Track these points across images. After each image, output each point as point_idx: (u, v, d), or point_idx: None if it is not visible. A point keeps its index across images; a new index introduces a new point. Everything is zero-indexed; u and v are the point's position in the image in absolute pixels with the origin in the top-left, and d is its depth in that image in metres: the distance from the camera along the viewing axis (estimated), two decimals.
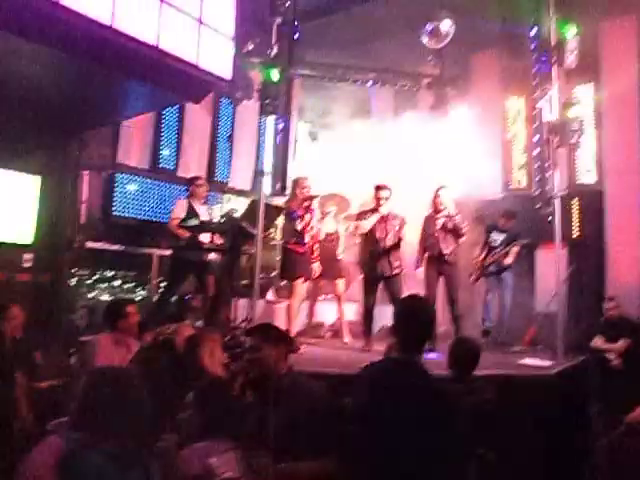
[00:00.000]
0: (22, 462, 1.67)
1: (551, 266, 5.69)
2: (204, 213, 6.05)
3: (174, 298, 6.21)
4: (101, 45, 4.21)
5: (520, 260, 6.77)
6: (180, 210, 5.92)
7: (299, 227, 5.80)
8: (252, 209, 5.70)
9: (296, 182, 6.09)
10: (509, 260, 6.56)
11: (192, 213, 5.91)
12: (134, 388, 1.79)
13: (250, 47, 7.05)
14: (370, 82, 8.48)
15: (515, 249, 6.55)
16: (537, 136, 7.47)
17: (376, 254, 5.76)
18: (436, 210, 6.03)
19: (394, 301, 5.53)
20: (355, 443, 2.34)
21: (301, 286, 5.84)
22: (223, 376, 3.21)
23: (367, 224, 5.78)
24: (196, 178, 6.32)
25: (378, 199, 5.80)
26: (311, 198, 5.92)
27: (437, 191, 6.07)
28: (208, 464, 1.92)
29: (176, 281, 5.99)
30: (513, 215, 6.80)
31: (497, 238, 6.65)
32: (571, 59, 5.78)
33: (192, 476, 1.92)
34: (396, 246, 5.82)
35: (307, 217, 5.87)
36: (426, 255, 6.04)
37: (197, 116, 8.00)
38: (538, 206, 7.04)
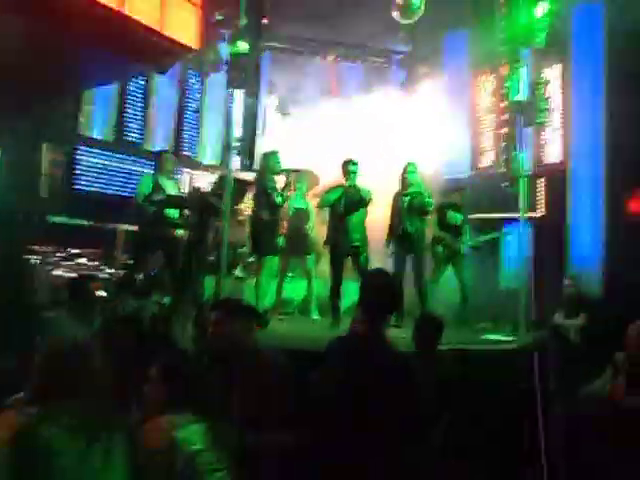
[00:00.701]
0: None
1: (516, 243, 5.80)
2: (171, 188, 5.93)
3: (140, 274, 6.12)
4: (64, 9, 4.04)
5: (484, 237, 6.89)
6: (146, 185, 5.80)
7: (274, 201, 5.75)
8: (220, 184, 5.62)
9: (265, 156, 6.04)
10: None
11: (159, 188, 5.79)
12: (92, 360, 1.76)
13: (219, 18, 6.88)
14: (341, 58, 8.42)
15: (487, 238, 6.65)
16: (505, 115, 7.58)
17: (342, 229, 5.75)
18: (404, 188, 6.06)
19: (361, 275, 5.56)
20: (321, 416, 2.36)
21: (270, 261, 5.83)
22: (189, 350, 3.20)
23: (333, 197, 5.76)
24: (163, 152, 6.19)
25: (346, 172, 5.79)
26: (281, 173, 5.90)
27: (405, 168, 6.09)
28: (172, 437, 1.91)
29: (141, 257, 5.90)
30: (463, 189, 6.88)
31: (455, 216, 6.69)
32: (540, 39, 5.81)
33: (156, 450, 1.91)
34: (363, 220, 5.82)
35: (283, 191, 5.85)
36: (394, 232, 6.08)
37: (164, 88, 7.81)
38: (505, 184, 7.17)
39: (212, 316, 2.82)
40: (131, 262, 6.12)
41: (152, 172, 5.98)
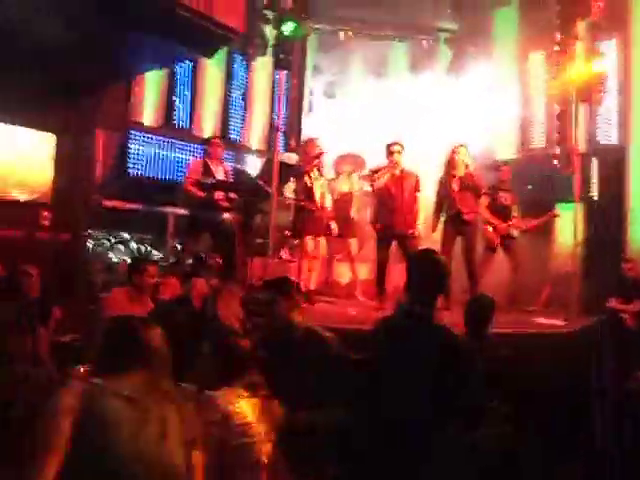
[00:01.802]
0: (45, 406, 1.71)
1: (569, 226, 5.62)
2: (220, 173, 6.03)
3: (190, 257, 6.25)
4: None
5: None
6: (195, 169, 5.91)
7: (307, 184, 5.85)
8: (267, 167, 5.67)
9: (306, 143, 6.13)
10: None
11: (208, 173, 5.89)
12: (154, 335, 1.82)
13: (264, 0, 6.88)
14: (387, 37, 8.29)
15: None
16: (558, 93, 7.30)
17: (390, 211, 5.71)
18: (453, 169, 5.94)
19: (408, 258, 5.52)
20: (368, 395, 2.36)
21: (311, 243, 5.93)
22: (238, 329, 3.26)
23: (381, 181, 5.73)
24: (213, 138, 6.29)
25: (391, 154, 5.73)
26: (319, 156, 5.95)
27: (455, 149, 5.96)
28: (226, 410, 1.97)
29: (192, 240, 6.03)
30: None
31: (505, 197, 6.53)
32: (596, 11, 5.56)
33: (211, 422, 1.97)
34: (411, 203, 5.76)
35: (315, 174, 5.88)
36: (444, 214, 5.98)
37: (210, 73, 7.88)
38: (557, 165, 6.94)
39: (261, 296, 2.87)
40: (182, 245, 6.26)
41: (201, 156, 6.08)
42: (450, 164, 5.96)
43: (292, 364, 2.47)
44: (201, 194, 5.77)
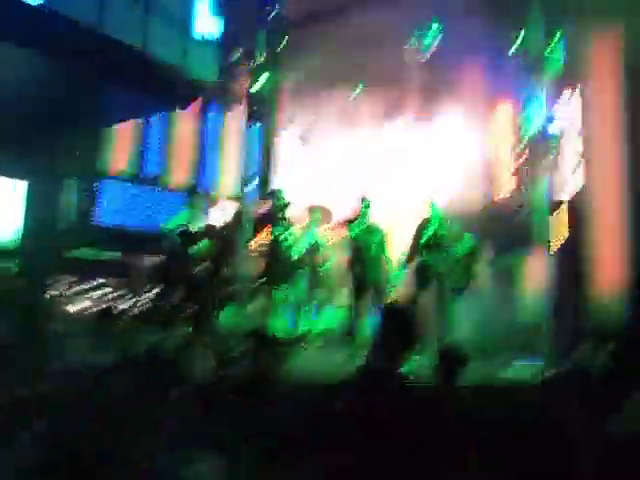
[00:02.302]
0: None
1: (534, 275, 5.72)
2: (201, 223, 6.15)
3: (167, 305, 6.17)
4: (87, 49, 4.18)
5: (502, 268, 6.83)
6: (182, 219, 6.02)
7: (271, 236, 6.04)
8: (238, 217, 5.71)
9: (272, 193, 6.36)
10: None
11: (191, 221, 6.00)
12: None
13: (238, 54, 7.04)
14: (357, 91, 8.52)
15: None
16: (522, 147, 7.56)
17: (363, 263, 5.80)
18: (424, 222, 6.07)
19: (380, 309, 5.55)
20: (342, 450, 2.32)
21: (282, 293, 5.95)
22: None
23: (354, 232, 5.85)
24: (201, 191, 6.46)
25: (361, 209, 5.89)
26: (284, 207, 6.11)
27: (425, 201, 6.10)
28: None
29: (167, 289, 6.00)
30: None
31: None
32: (557, 69, 5.84)
33: None
34: (381, 256, 5.88)
35: (284, 224, 6.05)
36: (413, 263, 6.05)
37: (184, 123, 7.96)
38: (522, 216, 7.12)
39: (245, 346, 2.80)
40: (157, 293, 6.18)
41: (188, 208, 6.20)
42: (423, 215, 6.08)
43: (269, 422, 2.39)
44: (175, 243, 5.81)
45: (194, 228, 6.01)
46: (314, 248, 6.66)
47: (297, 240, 6.21)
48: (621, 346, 5.71)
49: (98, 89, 4.94)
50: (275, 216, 6.14)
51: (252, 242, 6.41)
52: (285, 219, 6.16)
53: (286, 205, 6.17)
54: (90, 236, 6.94)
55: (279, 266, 6.01)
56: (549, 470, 2.93)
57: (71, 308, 6.65)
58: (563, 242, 7.05)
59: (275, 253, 6.05)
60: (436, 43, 6.93)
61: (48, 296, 6.36)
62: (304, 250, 6.34)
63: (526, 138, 6.67)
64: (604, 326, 6.04)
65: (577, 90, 7.22)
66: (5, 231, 5.99)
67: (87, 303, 6.84)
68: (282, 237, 6.04)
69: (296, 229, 6.19)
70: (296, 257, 6.19)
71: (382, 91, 8.56)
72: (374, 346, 2.62)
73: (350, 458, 2.26)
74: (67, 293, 6.72)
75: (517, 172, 7.58)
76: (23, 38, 3.91)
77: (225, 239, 5.71)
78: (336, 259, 6.90)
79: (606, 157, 6.86)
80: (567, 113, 7.00)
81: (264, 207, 6.79)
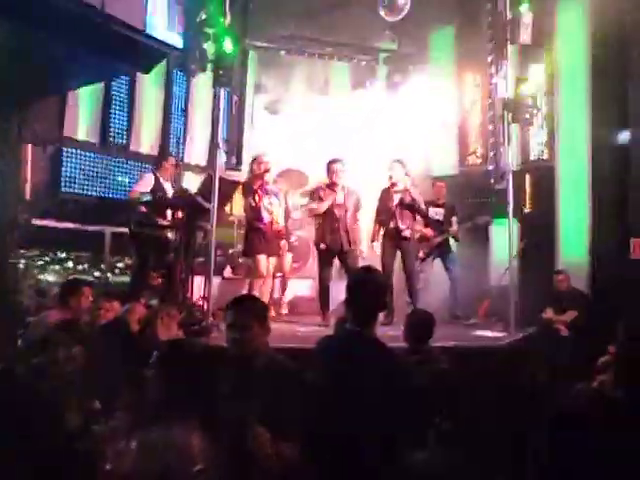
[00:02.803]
0: None
1: (504, 240, 5.81)
2: (169, 190, 5.96)
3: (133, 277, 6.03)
4: (44, 9, 3.97)
5: (474, 234, 6.93)
6: (145, 184, 5.80)
7: (253, 203, 5.87)
8: (207, 184, 5.58)
9: (254, 159, 6.11)
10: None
11: (157, 188, 5.79)
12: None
13: (203, 16, 6.81)
14: (328, 56, 8.40)
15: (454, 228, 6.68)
16: (491, 112, 7.59)
17: (332, 229, 5.77)
18: (392, 185, 6.06)
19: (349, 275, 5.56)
20: (312, 420, 2.32)
21: (262, 263, 5.85)
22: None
23: (323, 206, 5.79)
24: (172, 157, 6.29)
25: (332, 173, 5.80)
26: (265, 173, 5.94)
27: (391, 166, 6.09)
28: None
29: (145, 258, 5.82)
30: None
31: (436, 212, 6.74)
32: (525, 36, 5.83)
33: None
34: (352, 222, 5.86)
35: (263, 194, 5.90)
36: (383, 229, 6.07)
37: (149, 88, 7.72)
38: (492, 181, 7.20)
39: (229, 317, 2.53)
40: (137, 265, 5.99)
41: (152, 170, 5.99)
42: (389, 179, 6.08)
43: (257, 396, 2.28)
44: (141, 211, 5.65)
45: (162, 196, 5.85)
46: (287, 215, 6.60)
47: (277, 207, 6.08)
48: (583, 312, 5.91)
49: (56, 53, 4.71)
50: (254, 183, 5.95)
51: (224, 208, 6.31)
52: (266, 185, 5.99)
53: (267, 170, 5.98)
54: (53, 207, 6.73)
55: (260, 235, 5.88)
56: (517, 428, 3.02)
57: (37, 281, 6.50)
58: (530, 208, 7.17)
59: (254, 221, 5.91)
60: (406, 6, 6.82)
61: (13, 269, 6.19)
62: (282, 217, 6.24)
63: (495, 103, 6.69)
64: (568, 292, 6.22)
65: (545, 54, 7.26)
66: None
67: (52, 275, 6.69)
68: (263, 204, 5.87)
69: (276, 196, 6.07)
70: (278, 225, 6.06)
71: (353, 55, 8.47)
72: (345, 311, 2.62)
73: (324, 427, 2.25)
74: (32, 265, 6.55)
75: (486, 137, 7.64)
76: None
77: (194, 207, 5.57)
78: (308, 226, 6.89)
79: (573, 122, 6.95)
80: (535, 78, 7.03)
81: (235, 172, 6.69)
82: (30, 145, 6.38)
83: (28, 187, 6.42)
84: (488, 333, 5.66)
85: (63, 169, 6.84)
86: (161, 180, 5.89)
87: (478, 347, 4.91)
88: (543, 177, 7.21)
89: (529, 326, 5.79)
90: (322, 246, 5.86)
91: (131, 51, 4.71)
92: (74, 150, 6.95)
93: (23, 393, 2.27)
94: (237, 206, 7.15)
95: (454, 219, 6.74)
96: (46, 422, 2.08)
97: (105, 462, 1.90)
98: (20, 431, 2.02)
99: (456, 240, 6.81)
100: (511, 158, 5.97)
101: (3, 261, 6.03)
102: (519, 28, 5.83)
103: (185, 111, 8.15)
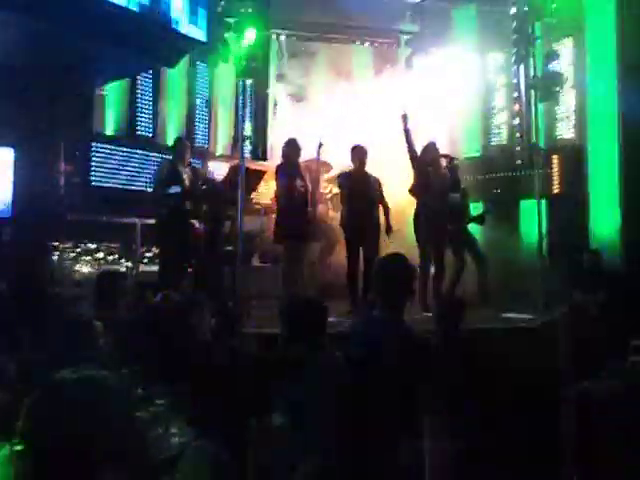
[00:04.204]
0: None
1: (533, 221, 5.76)
2: (187, 177, 5.93)
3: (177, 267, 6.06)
4: (73, 7, 4.06)
5: (500, 215, 6.86)
6: (163, 171, 5.83)
7: (285, 187, 5.72)
8: (231, 174, 5.63)
9: (287, 143, 5.93)
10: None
11: (176, 175, 5.76)
12: None
13: (224, 6, 6.84)
14: (349, 41, 8.36)
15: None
16: (516, 93, 7.49)
17: (358, 215, 5.75)
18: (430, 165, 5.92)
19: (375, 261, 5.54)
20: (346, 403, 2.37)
21: (296, 248, 5.76)
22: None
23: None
24: (180, 139, 6.20)
25: (355, 158, 5.76)
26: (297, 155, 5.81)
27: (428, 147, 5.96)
28: None
29: (174, 248, 5.85)
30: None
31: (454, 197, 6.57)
32: (550, 12, 5.72)
33: None
34: (376, 207, 5.81)
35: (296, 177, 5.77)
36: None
37: (173, 81, 7.81)
38: (519, 162, 7.11)
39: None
40: (165, 256, 6.03)
41: (169, 161, 6.02)
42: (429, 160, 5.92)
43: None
44: (168, 202, 5.71)
45: (189, 186, 5.92)
46: (317, 200, 6.53)
47: (307, 192, 5.86)
48: (614, 293, 5.82)
49: (83, 50, 4.81)
50: (288, 165, 5.74)
51: (250, 197, 6.27)
52: (298, 169, 5.78)
53: (298, 153, 5.78)
54: (84, 200, 6.89)
55: (289, 219, 5.69)
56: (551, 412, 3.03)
57: (71, 272, 6.68)
58: (559, 188, 7.08)
59: (285, 205, 5.75)
60: None
61: (48, 261, 6.38)
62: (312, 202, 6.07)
63: (521, 82, 6.58)
64: (598, 273, 6.13)
65: (572, 37, 7.10)
66: None
67: (86, 267, 6.87)
68: (295, 187, 5.67)
69: (307, 180, 5.88)
70: (309, 210, 5.87)
71: (374, 38, 8.42)
72: (374, 297, 2.66)
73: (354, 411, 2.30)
74: (66, 257, 6.74)
75: (511, 117, 7.54)
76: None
77: (220, 195, 5.62)
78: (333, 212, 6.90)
79: (603, 100, 6.80)
80: (563, 61, 6.89)
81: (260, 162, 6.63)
82: (63, 141, 6.53)
83: (61, 182, 6.59)
84: (518, 315, 5.63)
85: (93, 163, 6.99)
86: (178, 168, 5.86)
87: (507, 329, 4.89)
88: (572, 157, 7.10)
89: (558, 308, 5.74)
90: (348, 230, 5.84)
91: (157, 47, 4.78)
92: (103, 144, 7.10)
93: None
94: (263, 194, 7.21)
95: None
96: None
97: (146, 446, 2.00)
98: None
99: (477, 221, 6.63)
100: (539, 138, 5.88)
101: (43, 254, 6.22)
102: (544, 3, 5.73)
103: (209, 102, 8.22)
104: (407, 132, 5.76)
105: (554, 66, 5.72)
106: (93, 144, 7.00)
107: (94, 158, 7.00)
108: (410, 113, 5.83)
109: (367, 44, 8.56)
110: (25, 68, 4.75)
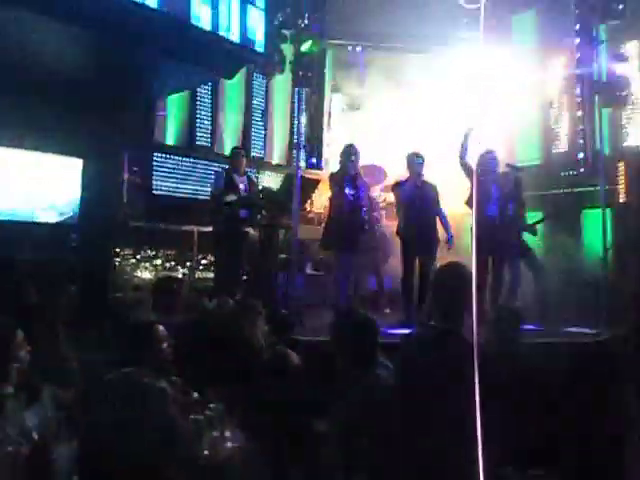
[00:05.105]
0: None
1: (597, 232, 5.53)
2: (243, 185, 6.02)
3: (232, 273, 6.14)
4: (130, 21, 4.23)
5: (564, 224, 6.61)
6: (220, 183, 5.94)
7: (339, 194, 5.63)
8: (287, 183, 5.69)
9: (345, 149, 5.77)
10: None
11: (232, 184, 5.86)
12: None
13: (280, 18, 6.96)
14: (404, 50, 8.32)
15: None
16: (580, 98, 7.23)
17: (414, 224, 5.67)
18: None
19: (434, 271, 5.45)
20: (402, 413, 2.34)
21: (345, 257, 5.69)
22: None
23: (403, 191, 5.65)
24: (236, 149, 6.33)
25: (412, 165, 5.70)
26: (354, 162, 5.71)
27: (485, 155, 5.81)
28: None
29: (229, 256, 5.89)
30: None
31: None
32: (615, 15, 5.50)
33: None
34: (434, 216, 5.71)
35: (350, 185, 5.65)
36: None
37: (231, 92, 8.00)
38: (582, 170, 6.85)
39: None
40: (223, 263, 6.11)
41: (225, 168, 6.15)
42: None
43: None
44: (225, 210, 5.81)
45: (245, 196, 6.02)
46: (372, 209, 6.47)
47: (363, 200, 5.70)
48: None
49: (144, 62, 5.00)
50: (344, 173, 5.61)
51: (305, 206, 6.27)
52: (355, 176, 5.62)
53: (353, 161, 5.63)
54: (145, 208, 7.14)
55: (341, 227, 5.58)
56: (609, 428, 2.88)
57: (131, 277, 6.92)
58: (626, 197, 6.77)
59: (338, 212, 5.63)
60: None
61: (111, 267, 6.63)
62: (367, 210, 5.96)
63: (584, 86, 6.34)
64: None
65: (638, 40, 6.81)
66: (64, 207, 6.24)
67: (145, 272, 7.10)
68: (348, 194, 5.55)
69: (363, 188, 5.70)
70: (365, 219, 5.74)
71: (429, 46, 8.34)
72: (433, 306, 2.61)
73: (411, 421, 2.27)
74: (126, 263, 6.98)
75: (574, 124, 7.28)
76: (66, 15, 3.97)
77: (276, 204, 5.68)
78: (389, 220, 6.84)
79: None
80: (628, 65, 6.61)
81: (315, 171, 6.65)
82: (126, 151, 6.80)
83: (125, 190, 6.85)
84: (580, 329, 5.40)
85: (154, 172, 7.24)
86: (233, 177, 5.95)
87: (567, 344, 4.70)
88: (639, 164, 6.77)
89: (623, 323, 5.46)
90: (404, 238, 5.77)
91: (217, 60, 4.90)
92: (164, 154, 7.35)
93: None
94: (316, 203, 7.25)
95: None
96: None
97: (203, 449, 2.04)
98: None
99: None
100: (603, 145, 5.65)
101: (107, 260, 6.48)
102: (608, 6, 5.52)
103: (265, 112, 8.37)
104: (465, 148, 5.62)
105: (619, 70, 5.48)
106: (155, 154, 7.25)
107: (155, 167, 7.25)
108: (474, 127, 5.65)
109: (422, 52, 8.48)
110: (92, 82, 4.98)
